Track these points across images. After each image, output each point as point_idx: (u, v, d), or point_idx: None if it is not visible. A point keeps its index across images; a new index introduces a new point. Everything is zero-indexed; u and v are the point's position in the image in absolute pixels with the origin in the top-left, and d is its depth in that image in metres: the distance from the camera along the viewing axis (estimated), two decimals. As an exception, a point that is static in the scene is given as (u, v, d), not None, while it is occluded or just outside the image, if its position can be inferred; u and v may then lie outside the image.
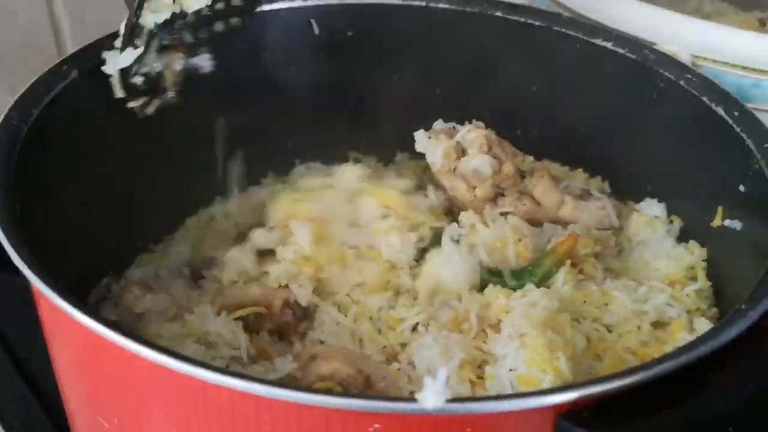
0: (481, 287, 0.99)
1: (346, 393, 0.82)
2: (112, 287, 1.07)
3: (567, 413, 0.66)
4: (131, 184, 1.11)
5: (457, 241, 1.03)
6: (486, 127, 1.16)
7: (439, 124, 1.18)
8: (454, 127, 1.17)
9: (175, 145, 1.16)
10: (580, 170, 1.24)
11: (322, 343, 0.96)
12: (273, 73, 1.25)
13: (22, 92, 0.95)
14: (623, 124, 1.17)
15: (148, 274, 1.09)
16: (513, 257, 1.03)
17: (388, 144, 1.35)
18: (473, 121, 1.17)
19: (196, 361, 0.66)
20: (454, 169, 1.11)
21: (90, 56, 1.04)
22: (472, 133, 1.12)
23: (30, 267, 0.74)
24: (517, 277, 0.99)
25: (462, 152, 1.12)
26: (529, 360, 0.84)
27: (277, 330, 0.98)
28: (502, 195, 1.10)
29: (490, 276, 1.00)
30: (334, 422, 0.67)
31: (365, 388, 0.83)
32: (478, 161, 1.09)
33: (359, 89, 1.30)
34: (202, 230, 1.22)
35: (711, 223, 1.02)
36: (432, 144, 1.13)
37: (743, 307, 0.72)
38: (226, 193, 1.26)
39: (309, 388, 0.73)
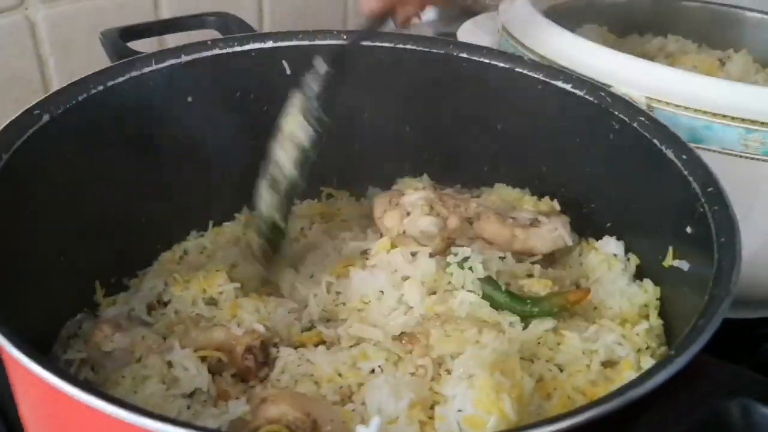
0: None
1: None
2: (83, 324, 1.09)
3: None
4: (105, 222, 1.13)
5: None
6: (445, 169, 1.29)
7: (382, 196, 1.24)
8: (402, 193, 1.21)
9: (148, 183, 1.20)
10: (528, 194, 1.30)
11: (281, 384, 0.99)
12: (245, 109, 1.28)
13: (-9, 138, 0.98)
14: (581, 163, 1.20)
15: (120, 313, 1.12)
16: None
17: (361, 179, 1.39)
18: (422, 175, 1.31)
19: (146, 412, 0.67)
20: (404, 232, 1.16)
21: (62, 99, 1.07)
22: (413, 196, 1.17)
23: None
24: (518, 302, 1.04)
25: (407, 214, 1.16)
26: (476, 401, 0.87)
27: (238, 373, 1.01)
28: (455, 245, 1.13)
29: (493, 291, 1.05)
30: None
31: (312, 431, 0.86)
32: (423, 223, 1.14)
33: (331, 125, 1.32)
34: (175, 264, 1.25)
35: (663, 263, 1.04)
36: (383, 216, 1.19)
37: (672, 353, 0.75)
38: (201, 227, 1.30)
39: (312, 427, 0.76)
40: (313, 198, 1.38)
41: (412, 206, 1.16)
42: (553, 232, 1.16)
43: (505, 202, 1.26)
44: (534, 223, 1.16)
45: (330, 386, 0.97)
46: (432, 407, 0.92)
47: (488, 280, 1.06)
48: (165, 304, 1.14)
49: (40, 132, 1.03)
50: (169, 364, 0.98)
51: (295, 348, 1.04)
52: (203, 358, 1.00)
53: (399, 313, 1.05)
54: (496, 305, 1.04)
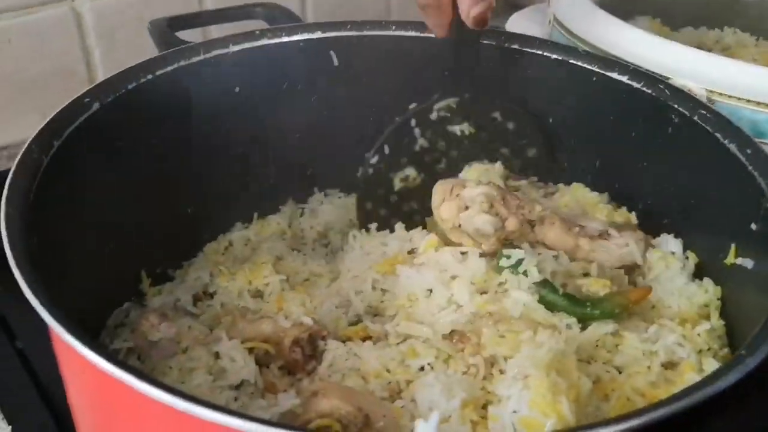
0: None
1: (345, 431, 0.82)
2: (130, 313, 1.09)
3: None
4: (150, 212, 1.13)
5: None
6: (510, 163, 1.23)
7: (444, 183, 1.16)
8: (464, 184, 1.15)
9: (195, 173, 1.19)
10: (605, 201, 1.22)
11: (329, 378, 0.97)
12: (292, 101, 1.27)
13: (43, 125, 0.97)
14: (638, 158, 1.17)
15: (166, 303, 1.11)
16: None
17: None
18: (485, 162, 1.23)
19: (197, 400, 0.66)
20: (459, 225, 1.10)
21: (112, 88, 1.07)
22: (475, 191, 1.10)
23: (44, 307, 0.75)
24: (577, 305, 1.00)
25: (465, 208, 1.11)
26: (531, 402, 0.84)
27: (286, 366, 0.99)
28: (513, 247, 1.08)
29: (550, 294, 1.01)
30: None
31: (364, 426, 0.83)
32: (479, 221, 1.08)
33: (377, 118, 1.30)
34: (220, 256, 1.24)
35: (725, 261, 1.01)
36: (441, 206, 1.13)
37: (742, 353, 0.72)
38: (246, 219, 1.29)
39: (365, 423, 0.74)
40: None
41: (471, 201, 1.09)
42: (623, 248, 1.09)
43: (579, 205, 1.21)
44: (603, 235, 1.10)
45: (378, 382, 0.95)
46: (484, 407, 0.89)
47: (544, 284, 1.01)
48: (211, 296, 1.13)
49: (90, 120, 1.02)
50: (216, 356, 0.97)
51: (343, 342, 1.02)
52: (250, 350, 0.98)
53: (449, 311, 1.02)
54: (552, 308, 1.00)
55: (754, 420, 0.69)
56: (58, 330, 0.73)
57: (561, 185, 1.27)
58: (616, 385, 0.93)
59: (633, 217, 1.18)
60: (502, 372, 0.92)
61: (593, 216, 1.17)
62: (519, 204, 1.10)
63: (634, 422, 0.66)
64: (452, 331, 0.99)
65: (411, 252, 1.13)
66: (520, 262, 1.02)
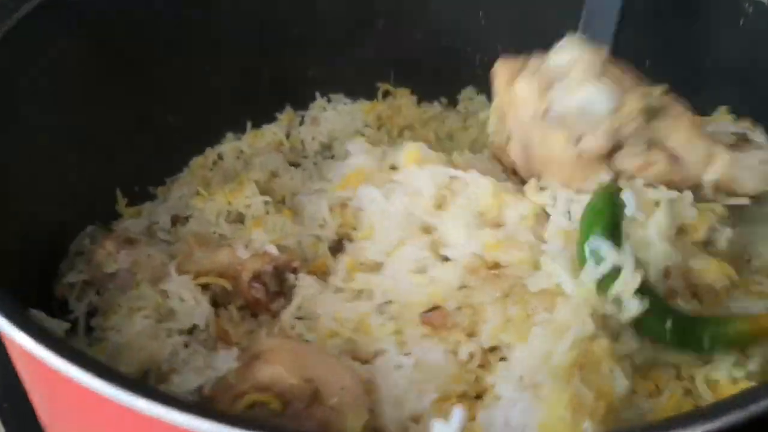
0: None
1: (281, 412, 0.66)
2: (95, 239, 0.94)
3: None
4: (121, 121, 1.01)
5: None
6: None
7: (507, 59, 0.88)
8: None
9: (175, 75, 1.07)
10: (723, 108, 0.99)
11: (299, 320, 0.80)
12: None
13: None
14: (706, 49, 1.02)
15: (139, 227, 0.98)
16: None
17: (424, 75, 1.22)
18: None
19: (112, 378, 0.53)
20: (545, 111, 0.80)
21: None
22: (566, 55, 0.80)
23: None
24: (691, 325, 0.70)
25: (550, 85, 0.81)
26: (541, 424, 0.63)
27: (247, 306, 0.84)
28: (619, 148, 0.78)
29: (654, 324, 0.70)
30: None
31: (312, 403, 0.66)
32: (587, 94, 0.77)
33: (388, 9, 1.19)
34: (208, 171, 1.11)
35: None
36: (515, 83, 0.83)
37: None
38: (237, 128, 1.17)
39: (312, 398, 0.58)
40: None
41: (562, 73, 0.79)
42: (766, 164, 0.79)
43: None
44: (739, 144, 0.81)
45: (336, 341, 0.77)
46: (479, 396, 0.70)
47: (654, 308, 0.69)
48: (187, 219, 0.99)
49: (35, 13, 0.89)
50: (164, 294, 0.83)
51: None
52: (206, 287, 0.84)
53: (425, 278, 0.78)
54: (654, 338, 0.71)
55: None
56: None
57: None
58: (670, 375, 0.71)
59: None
60: (504, 359, 0.71)
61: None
62: (635, 79, 0.80)
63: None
64: (432, 309, 0.75)
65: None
66: (617, 272, 0.69)
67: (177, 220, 1.00)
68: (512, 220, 0.76)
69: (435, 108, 1.21)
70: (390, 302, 0.78)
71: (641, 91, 0.77)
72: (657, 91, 0.79)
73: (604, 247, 0.68)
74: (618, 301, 0.68)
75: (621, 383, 0.65)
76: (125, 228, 0.97)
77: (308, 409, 0.66)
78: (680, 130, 0.77)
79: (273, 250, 0.85)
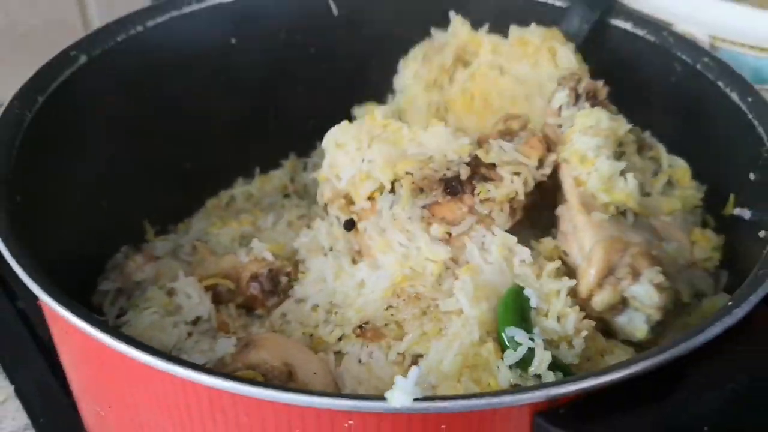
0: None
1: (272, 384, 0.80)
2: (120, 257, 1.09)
3: (543, 411, 0.66)
4: (146, 167, 1.12)
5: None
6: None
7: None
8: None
9: (192, 128, 1.18)
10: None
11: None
12: (291, 51, 1.25)
13: (26, 80, 0.96)
14: (642, 106, 1.10)
15: (164, 249, 1.12)
16: None
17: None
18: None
19: (168, 357, 0.67)
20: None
21: (100, 40, 1.06)
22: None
23: (24, 270, 0.75)
24: None
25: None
26: None
27: (245, 304, 0.99)
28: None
29: None
30: (309, 419, 0.67)
31: (288, 380, 0.82)
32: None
33: (380, 67, 1.28)
34: (222, 210, 1.24)
35: (722, 211, 0.99)
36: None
37: (729, 303, 0.71)
38: (247, 174, 1.28)
39: (286, 388, 0.73)
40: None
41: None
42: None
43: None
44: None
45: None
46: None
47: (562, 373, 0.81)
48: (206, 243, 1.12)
49: (78, 73, 1.01)
50: (171, 292, 0.97)
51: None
52: (211, 288, 0.98)
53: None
54: None
55: (739, 367, 0.68)
56: (37, 292, 0.74)
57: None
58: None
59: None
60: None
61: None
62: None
63: (627, 370, 0.65)
64: (364, 325, 0.89)
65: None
66: (530, 356, 0.80)
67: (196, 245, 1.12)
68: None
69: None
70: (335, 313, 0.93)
71: None
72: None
73: (518, 334, 0.81)
74: (537, 377, 0.80)
75: (504, 376, 0.79)
76: (153, 247, 1.11)
77: (285, 384, 0.81)
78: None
79: (269, 256, 1.00)
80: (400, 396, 0.62)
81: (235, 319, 0.97)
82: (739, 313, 0.69)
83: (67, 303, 0.72)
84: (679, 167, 1.01)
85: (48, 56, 1.01)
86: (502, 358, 0.80)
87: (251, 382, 0.65)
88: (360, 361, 0.85)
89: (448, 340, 0.81)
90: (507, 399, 0.65)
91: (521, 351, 0.79)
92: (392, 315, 0.87)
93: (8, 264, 1.15)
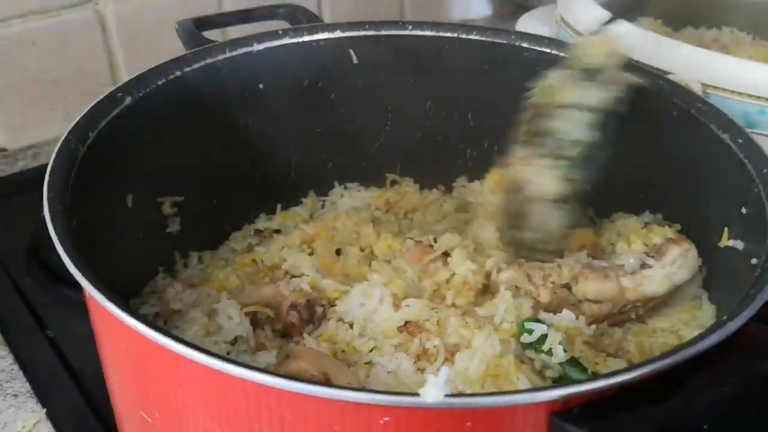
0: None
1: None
2: (160, 282, 1.17)
3: (559, 411, 0.73)
4: (180, 202, 1.22)
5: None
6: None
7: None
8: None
9: (220, 166, 1.27)
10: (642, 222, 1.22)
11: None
12: (313, 97, 1.34)
13: (79, 117, 1.04)
14: (641, 151, 1.20)
15: (199, 276, 1.20)
16: None
17: (424, 165, 1.43)
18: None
19: (222, 357, 0.73)
20: None
21: (143, 83, 1.14)
22: (502, 275, 1.09)
23: (83, 274, 0.82)
24: None
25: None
26: None
27: (284, 329, 1.07)
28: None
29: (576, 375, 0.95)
30: (349, 414, 0.73)
31: None
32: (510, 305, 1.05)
33: (395, 113, 1.38)
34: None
35: (719, 244, 1.06)
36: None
37: (724, 317, 0.79)
38: (268, 210, 1.36)
39: (327, 383, 0.80)
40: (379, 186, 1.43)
41: (498, 285, 1.09)
42: (667, 267, 1.07)
43: (621, 234, 1.20)
44: (644, 266, 1.08)
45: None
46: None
47: (572, 363, 0.96)
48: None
49: (123, 113, 1.09)
50: (211, 315, 1.04)
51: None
52: (255, 314, 1.06)
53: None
54: None
55: (730, 377, 0.75)
56: (96, 296, 0.80)
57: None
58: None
59: (668, 231, 1.16)
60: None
61: (627, 248, 1.15)
62: (545, 274, 1.08)
63: (625, 376, 0.73)
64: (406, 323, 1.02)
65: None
66: (543, 338, 0.97)
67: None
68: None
69: (434, 194, 1.41)
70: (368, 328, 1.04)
71: (549, 282, 1.07)
72: (564, 271, 1.08)
73: (533, 325, 0.96)
74: (550, 352, 0.94)
75: (523, 384, 0.90)
76: (190, 274, 1.20)
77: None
78: (590, 285, 1.06)
79: (306, 287, 1.09)
80: (433, 391, 0.69)
81: (271, 341, 1.06)
82: (732, 326, 0.77)
83: (121, 304, 0.79)
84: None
85: (76, 103, 1.09)
86: (521, 371, 0.89)
87: (296, 378, 0.72)
88: (388, 372, 0.94)
89: (472, 351, 0.90)
90: (526, 397, 0.72)
91: (535, 334, 0.96)
92: (435, 311, 0.99)
93: (38, 295, 1.23)
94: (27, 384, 1.21)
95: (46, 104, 1.00)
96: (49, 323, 1.30)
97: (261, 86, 1.29)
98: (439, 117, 1.38)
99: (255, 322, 1.06)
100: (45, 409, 1.17)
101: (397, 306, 1.04)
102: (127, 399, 0.96)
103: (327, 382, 0.90)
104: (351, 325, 1.05)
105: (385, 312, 1.03)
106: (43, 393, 1.20)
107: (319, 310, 1.07)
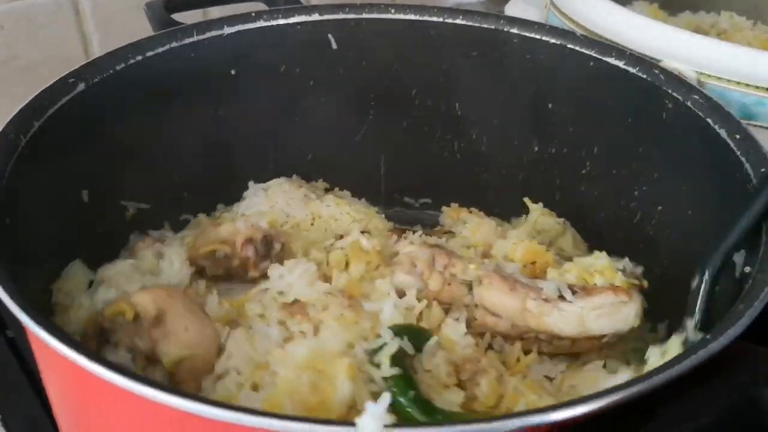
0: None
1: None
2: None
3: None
4: (136, 197, 1.16)
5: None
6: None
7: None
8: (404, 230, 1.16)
9: (185, 158, 1.20)
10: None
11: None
12: (290, 84, 1.27)
13: (23, 105, 0.97)
14: (635, 143, 1.15)
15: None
16: None
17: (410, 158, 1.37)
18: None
19: (145, 380, 0.66)
20: None
21: (99, 68, 1.07)
22: (406, 248, 1.05)
23: (5, 289, 0.74)
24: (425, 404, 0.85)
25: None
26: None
27: (240, 266, 1.07)
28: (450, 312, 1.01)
29: (398, 395, 0.85)
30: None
31: (154, 325, 0.90)
32: (399, 280, 1.02)
33: (377, 102, 1.32)
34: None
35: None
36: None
37: (707, 337, 0.71)
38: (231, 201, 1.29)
39: (254, 411, 0.73)
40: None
41: (398, 260, 1.05)
42: (586, 309, 0.95)
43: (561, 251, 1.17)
44: (561, 297, 0.97)
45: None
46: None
47: (399, 381, 0.86)
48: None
49: (74, 100, 1.02)
50: (160, 255, 1.05)
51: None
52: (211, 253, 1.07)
53: None
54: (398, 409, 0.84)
55: (715, 401, 0.67)
56: (18, 315, 0.73)
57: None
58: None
59: (620, 279, 1.03)
60: None
61: (559, 276, 1.04)
62: (449, 263, 1.02)
63: (599, 403, 0.65)
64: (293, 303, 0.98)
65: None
66: (379, 348, 0.89)
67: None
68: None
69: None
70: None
71: (447, 273, 1.01)
72: (470, 268, 1.00)
73: (386, 331, 0.90)
74: (379, 364, 0.86)
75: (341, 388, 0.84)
76: (161, 234, 1.17)
77: (150, 328, 0.89)
78: (491, 292, 0.97)
79: (264, 224, 1.10)
80: (370, 422, 0.62)
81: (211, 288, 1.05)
82: (716, 346, 0.69)
83: (44, 323, 0.72)
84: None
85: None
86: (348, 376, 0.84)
87: (215, 403, 0.65)
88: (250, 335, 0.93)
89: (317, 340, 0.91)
90: (474, 428, 0.64)
91: (379, 342, 0.89)
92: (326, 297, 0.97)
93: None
94: (-18, 389, 1.15)
95: (17, 91, 0.94)
96: (9, 324, 1.23)
97: (233, 72, 1.22)
98: (424, 106, 1.31)
99: (201, 272, 1.07)
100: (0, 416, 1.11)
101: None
102: (59, 412, 0.90)
103: (158, 321, 0.89)
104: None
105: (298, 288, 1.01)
106: (0, 398, 1.14)
107: (278, 246, 1.08)
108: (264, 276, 1.05)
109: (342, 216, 1.22)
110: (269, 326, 0.95)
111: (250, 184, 1.27)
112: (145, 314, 0.89)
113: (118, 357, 0.89)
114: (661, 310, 1.04)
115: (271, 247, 1.07)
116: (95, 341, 0.90)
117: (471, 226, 1.21)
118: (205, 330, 0.92)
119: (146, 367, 0.89)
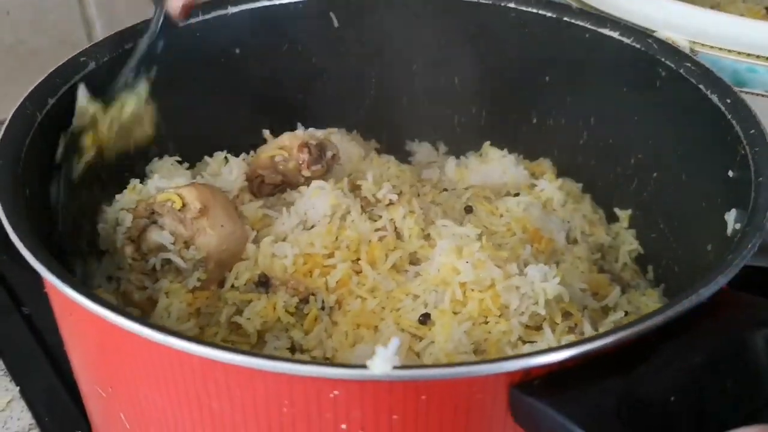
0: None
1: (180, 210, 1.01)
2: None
3: (518, 383, 0.69)
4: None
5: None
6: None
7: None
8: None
9: (191, 137, 1.22)
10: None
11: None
12: (293, 61, 1.30)
13: (38, 82, 1.00)
14: (630, 113, 1.18)
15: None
16: None
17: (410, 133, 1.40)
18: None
19: (168, 331, 0.69)
20: None
21: (108, 48, 1.10)
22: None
23: (26, 246, 0.78)
24: None
25: None
26: None
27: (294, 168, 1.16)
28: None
29: None
30: (297, 388, 0.70)
31: (198, 217, 1.02)
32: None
33: (378, 78, 1.35)
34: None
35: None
36: None
37: (696, 285, 0.74)
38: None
39: (274, 356, 0.76)
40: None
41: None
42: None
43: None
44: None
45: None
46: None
47: None
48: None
49: (86, 78, 1.05)
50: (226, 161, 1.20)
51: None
52: (271, 159, 1.17)
53: None
54: None
55: (705, 343, 0.71)
56: (42, 272, 0.77)
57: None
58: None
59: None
60: None
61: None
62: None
63: (595, 344, 0.69)
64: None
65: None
66: None
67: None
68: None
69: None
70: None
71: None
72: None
73: None
74: None
75: None
76: None
77: (193, 219, 1.02)
78: None
79: (319, 134, 1.20)
80: (380, 363, 0.65)
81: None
82: (705, 293, 0.72)
83: (69, 281, 0.75)
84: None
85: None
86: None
87: (241, 352, 0.68)
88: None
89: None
90: (483, 368, 0.68)
91: None
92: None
93: (14, 272, 1.21)
94: (0, 362, 1.19)
95: (22, 77, 0.97)
96: (25, 300, 1.28)
97: (237, 51, 1.25)
98: (424, 82, 1.34)
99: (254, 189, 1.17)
100: (18, 387, 1.15)
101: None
102: (84, 374, 0.93)
103: (202, 210, 1.01)
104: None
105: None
106: (17, 371, 1.18)
107: (329, 154, 1.17)
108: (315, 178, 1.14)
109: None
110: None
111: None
112: (191, 206, 1.00)
113: (161, 237, 1.01)
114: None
115: (323, 153, 1.16)
116: (144, 220, 1.02)
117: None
118: (237, 230, 1.04)
119: (181, 250, 1.02)
